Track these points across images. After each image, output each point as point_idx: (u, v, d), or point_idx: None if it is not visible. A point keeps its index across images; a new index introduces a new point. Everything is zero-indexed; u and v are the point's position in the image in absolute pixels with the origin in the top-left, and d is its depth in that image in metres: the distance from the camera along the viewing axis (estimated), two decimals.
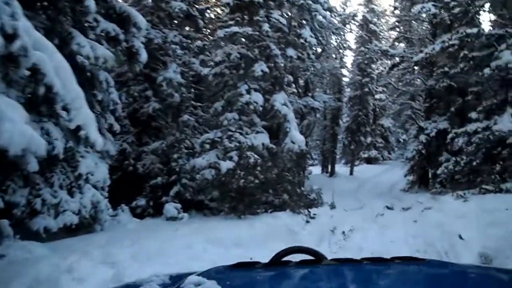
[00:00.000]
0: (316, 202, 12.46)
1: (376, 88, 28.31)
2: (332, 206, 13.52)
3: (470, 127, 13.50)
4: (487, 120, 13.53)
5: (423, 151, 16.46)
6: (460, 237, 7.96)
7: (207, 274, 1.17)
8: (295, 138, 12.52)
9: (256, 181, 10.21)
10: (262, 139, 12.03)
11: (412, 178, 18.01)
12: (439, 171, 14.38)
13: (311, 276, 1.30)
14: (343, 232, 9.66)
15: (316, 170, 28.74)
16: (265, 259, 1.55)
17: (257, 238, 8.12)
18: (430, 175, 17.34)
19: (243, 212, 10.15)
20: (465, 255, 7.10)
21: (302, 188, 12.33)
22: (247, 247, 7.22)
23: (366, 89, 26.60)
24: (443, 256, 7.45)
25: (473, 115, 14.04)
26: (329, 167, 27.64)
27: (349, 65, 28.77)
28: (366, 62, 26.79)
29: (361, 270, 1.33)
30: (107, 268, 5.49)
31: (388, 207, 13.12)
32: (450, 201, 11.75)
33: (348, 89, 28.52)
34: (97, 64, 8.18)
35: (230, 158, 10.93)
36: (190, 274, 1.21)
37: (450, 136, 14.34)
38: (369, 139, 28.76)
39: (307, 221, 10.29)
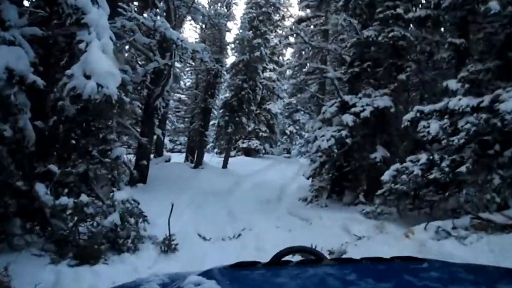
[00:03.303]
0: (125, 238, 4.89)
1: (267, 64, 21.48)
2: (168, 247, 5.93)
3: (454, 103, 7.24)
4: (474, 95, 7.45)
5: (348, 140, 9.91)
6: None
7: (207, 274, 1.15)
8: (96, 66, 4.98)
9: None
10: (6, 60, 4.45)
11: (320, 182, 11.39)
12: (385, 177, 7.89)
13: (311, 276, 1.23)
14: None
15: (180, 158, 21.32)
16: None
17: None
18: (349, 181, 10.93)
19: None
20: None
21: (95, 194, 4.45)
22: None
23: (258, 53, 18.85)
24: None
25: (452, 84, 7.87)
26: (196, 154, 19.99)
27: (238, 18, 20.90)
28: (260, 18, 19.61)
29: (361, 270, 1.27)
30: None
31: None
32: (452, 247, 5.17)
33: (233, 51, 20.64)
34: None
35: None
36: (189, 273, 1.16)
37: (409, 116, 7.98)
38: (252, 125, 21.96)
39: None
